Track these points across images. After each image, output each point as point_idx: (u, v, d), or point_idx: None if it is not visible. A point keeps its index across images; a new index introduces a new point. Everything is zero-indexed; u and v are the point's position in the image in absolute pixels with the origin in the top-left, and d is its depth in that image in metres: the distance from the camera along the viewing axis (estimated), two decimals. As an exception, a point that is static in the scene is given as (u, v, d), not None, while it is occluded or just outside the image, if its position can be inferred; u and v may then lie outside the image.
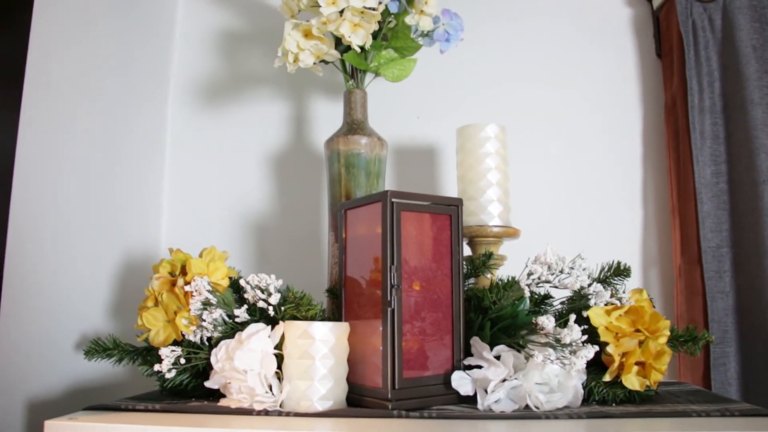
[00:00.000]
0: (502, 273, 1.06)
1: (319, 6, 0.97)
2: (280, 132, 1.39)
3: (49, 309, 1.01)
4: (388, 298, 0.83)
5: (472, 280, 1.02)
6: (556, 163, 1.34)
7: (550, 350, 0.81)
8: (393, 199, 0.84)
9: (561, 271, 0.86)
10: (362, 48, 1.01)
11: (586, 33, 1.38)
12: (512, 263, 1.09)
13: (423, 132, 1.36)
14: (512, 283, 0.92)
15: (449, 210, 0.89)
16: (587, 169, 1.33)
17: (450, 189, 1.31)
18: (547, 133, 1.35)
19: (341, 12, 0.97)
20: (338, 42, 1.04)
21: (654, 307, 0.94)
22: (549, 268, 0.86)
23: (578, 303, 0.91)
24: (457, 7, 1.13)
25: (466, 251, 1.06)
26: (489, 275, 1.03)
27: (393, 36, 1.08)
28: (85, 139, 1.10)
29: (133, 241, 1.26)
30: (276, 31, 1.31)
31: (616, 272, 0.96)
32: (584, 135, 1.34)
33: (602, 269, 0.96)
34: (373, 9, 0.97)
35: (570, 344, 0.81)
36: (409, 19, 1.05)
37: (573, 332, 0.81)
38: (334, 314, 0.99)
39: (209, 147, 1.40)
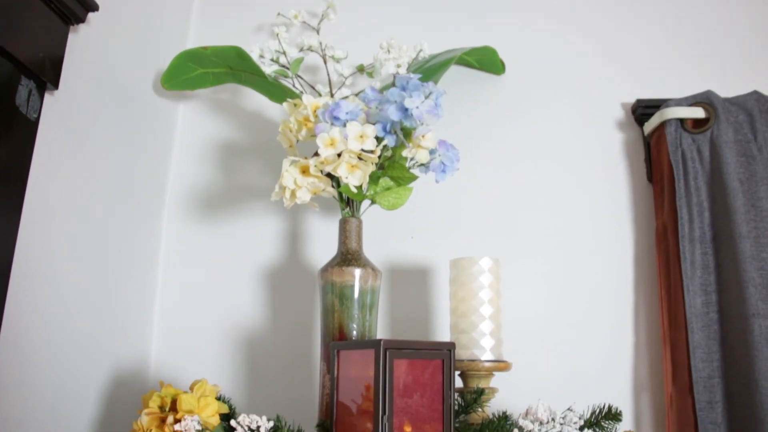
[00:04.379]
0: (494, 404, 1.07)
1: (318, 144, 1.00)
2: (274, 247, 1.40)
3: (33, 426, 0.99)
4: (379, 447, 0.83)
5: (463, 416, 1.02)
6: (548, 287, 1.35)
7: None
8: (386, 348, 0.84)
9: (552, 428, 0.86)
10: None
11: (579, 157, 1.41)
12: (504, 393, 1.10)
13: (417, 253, 1.37)
14: (503, 424, 0.92)
15: (441, 354, 0.90)
16: (579, 295, 1.34)
17: (443, 313, 1.31)
18: (540, 258, 1.36)
19: (339, 153, 0.99)
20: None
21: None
22: (540, 424, 0.86)
23: (570, 449, 0.91)
24: (451, 133, 1.16)
25: (459, 383, 1.06)
26: (480, 411, 1.03)
27: (389, 166, 1.11)
28: (79, 250, 1.11)
29: (122, 355, 1.25)
30: (274, 145, 1.34)
31: (607, 416, 0.96)
32: (576, 260, 1.36)
33: (593, 412, 0.96)
34: (371, 152, 0.99)
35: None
36: (405, 152, 1.07)
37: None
38: (324, 449, 0.98)
39: (203, 259, 1.41)
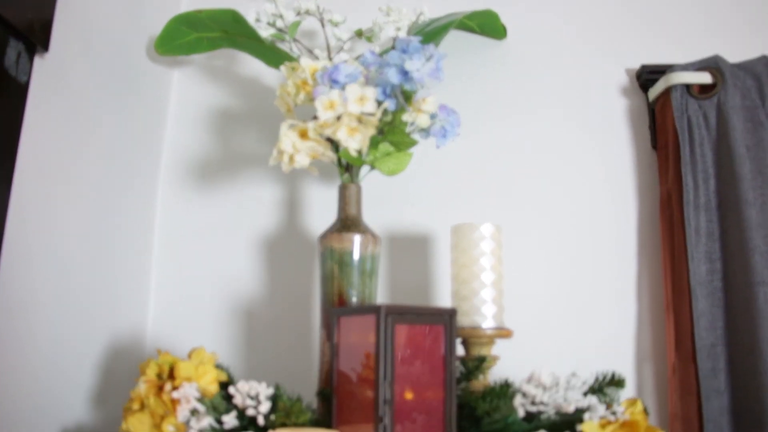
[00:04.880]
0: (496, 372, 1.06)
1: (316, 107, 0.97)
2: (272, 215, 1.38)
3: (30, 399, 0.98)
4: (380, 413, 0.81)
5: (464, 383, 1.01)
6: (550, 254, 1.33)
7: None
8: (387, 313, 0.83)
9: (556, 392, 0.84)
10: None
11: (582, 124, 1.39)
12: (506, 361, 1.08)
13: (417, 221, 1.36)
14: (505, 391, 0.91)
15: (443, 320, 0.89)
16: (582, 262, 1.33)
17: (444, 281, 1.30)
18: (542, 225, 1.35)
19: (338, 116, 0.97)
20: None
21: (648, 413, 0.93)
22: (544, 389, 0.85)
23: (572, 416, 0.90)
24: (453, 98, 1.14)
25: (460, 350, 1.05)
26: (482, 377, 1.02)
27: (389, 130, 1.08)
28: (73, 220, 1.09)
29: (118, 326, 1.24)
30: (272, 111, 1.32)
31: (611, 382, 0.95)
32: (579, 227, 1.34)
33: (596, 379, 0.95)
34: (371, 114, 0.97)
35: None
36: (406, 117, 1.05)
37: (567, 453, 0.80)
38: (324, 417, 0.97)
39: (199, 228, 1.39)
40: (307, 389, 1.07)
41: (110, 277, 1.21)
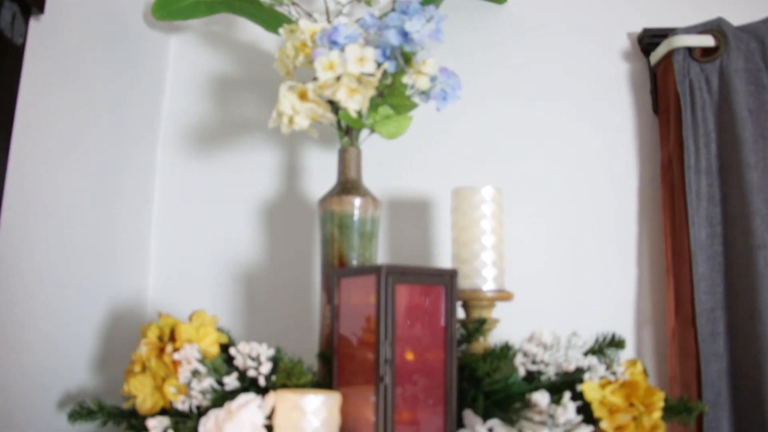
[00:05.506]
0: (496, 335, 1.06)
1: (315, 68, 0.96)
2: (272, 181, 1.38)
3: (33, 363, 0.99)
4: (381, 373, 0.82)
5: (465, 345, 1.01)
6: (550, 219, 1.33)
7: (544, 429, 0.80)
8: (388, 273, 0.83)
9: (556, 351, 0.85)
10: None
11: (583, 89, 1.38)
12: (506, 324, 1.08)
13: (418, 185, 1.35)
14: (505, 353, 0.91)
15: (444, 281, 0.88)
16: (582, 226, 1.33)
17: (444, 245, 1.30)
18: (543, 189, 1.34)
19: (338, 77, 0.96)
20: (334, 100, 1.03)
21: (648, 375, 0.94)
22: (545, 348, 0.85)
23: (573, 375, 0.90)
24: (453, 63, 1.13)
25: (461, 313, 1.05)
26: (482, 340, 1.02)
27: (389, 93, 1.07)
28: (72, 186, 1.09)
29: (119, 291, 1.24)
30: (270, 77, 1.31)
31: (611, 343, 0.95)
32: (580, 191, 1.34)
33: (597, 340, 0.95)
34: (371, 75, 0.96)
35: (565, 424, 0.80)
36: (406, 78, 1.04)
37: (568, 411, 0.80)
38: (325, 379, 0.97)
39: (198, 194, 1.38)
40: (307, 354, 1.07)
41: (110, 242, 1.21)
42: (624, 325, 1.27)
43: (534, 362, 0.86)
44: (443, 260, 1.30)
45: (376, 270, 0.83)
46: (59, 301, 1.05)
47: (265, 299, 1.33)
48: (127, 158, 1.28)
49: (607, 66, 1.39)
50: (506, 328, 1.09)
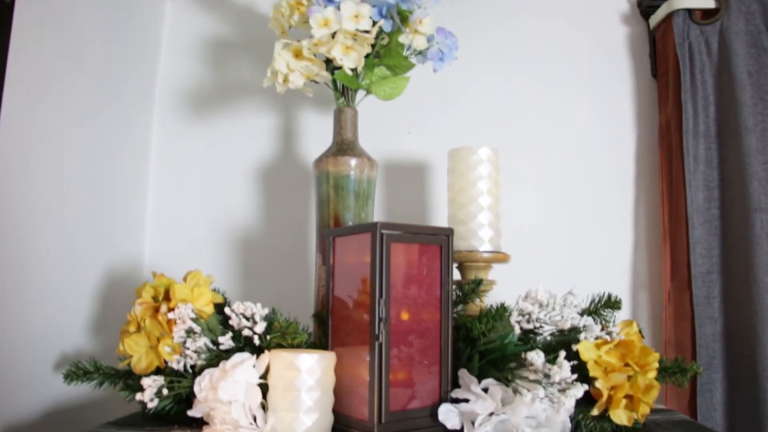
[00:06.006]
0: (492, 297, 1.06)
1: (311, 26, 0.95)
2: (268, 145, 1.36)
3: (29, 327, 0.98)
4: (376, 332, 0.81)
5: (460, 307, 1.01)
6: (547, 182, 1.33)
7: (539, 388, 0.80)
8: (383, 231, 0.82)
9: (552, 309, 0.84)
10: (354, 69, 0.99)
11: (581, 52, 1.37)
12: (502, 287, 1.08)
13: (414, 149, 1.34)
14: (501, 313, 0.91)
15: (439, 240, 0.88)
16: (580, 189, 1.32)
17: (440, 208, 1.29)
18: (540, 152, 1.34)
19: (333, 34, 0.94)
20: (329, 60, 1.02)
21: (643, 336, 0.94)
22: (540, 306, 0.84)
23: (568, 335, 0.90)
24: (450, 25, 1.11)
25: (456, 275, 1.05)
26: (478, 301, 1.02)
27: (386, 54, 1.06)
28: (68, 149, 1.07)
29: (116, 255, 1.23)
30: (266, 40, 1.28)
31: (607, 304, 0.95)
32: (577, 154, 1.33)
33: (593, 300, 0.95)
34: (367, 32, 0.95)
35: (559, 382, 0.80)
36: (402, 38, 1.03)
37: (563, 370, 0.80)
38: (320, 339, 0.97)
39: (195, 158, 1.37)
40: (303, 316, 1.07)
41: (107, 206, 1.20)
42: (620, 288, 1.28)
43: (529, 321, 0.86)
44: (440, 222, 1.30)
45: (371, 228, 0.83)
46: (56, 264, 1.05)
47: (262, 262, 1.33)
48: (123, 121, 1.26)
49: (606, 29, 1.37)
50: (502, 292, 1.09)
